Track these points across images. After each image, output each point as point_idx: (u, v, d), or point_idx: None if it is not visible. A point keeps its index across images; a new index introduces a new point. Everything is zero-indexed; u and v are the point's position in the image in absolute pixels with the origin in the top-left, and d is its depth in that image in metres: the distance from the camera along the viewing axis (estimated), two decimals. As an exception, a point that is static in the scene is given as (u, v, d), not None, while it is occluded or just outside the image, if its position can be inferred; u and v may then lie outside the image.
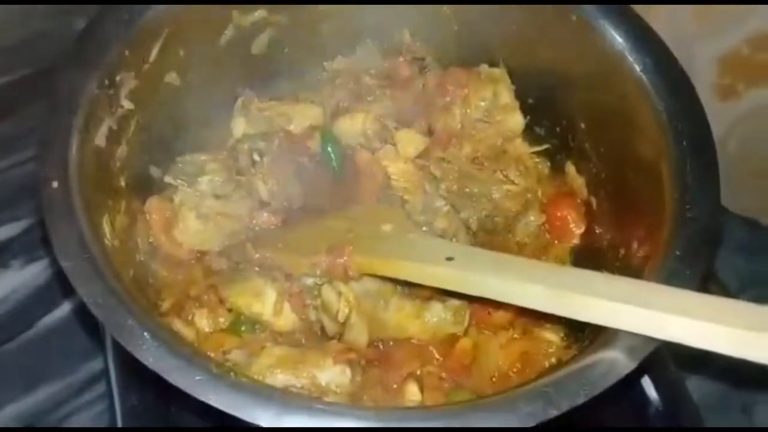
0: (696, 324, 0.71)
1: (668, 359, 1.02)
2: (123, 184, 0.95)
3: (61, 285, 1.20)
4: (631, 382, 0.75)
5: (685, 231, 0.82)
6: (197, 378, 0.71)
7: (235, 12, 1.05)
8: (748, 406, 1.16)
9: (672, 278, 0.79)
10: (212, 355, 0.89)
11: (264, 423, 0.69)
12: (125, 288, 0.78)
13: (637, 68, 0.94)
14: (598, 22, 0.97)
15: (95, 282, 0.76)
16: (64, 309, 1.19)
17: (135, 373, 0.97)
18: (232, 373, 0.73)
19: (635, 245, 0.91)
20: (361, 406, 0.85)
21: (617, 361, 0.74)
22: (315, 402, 0.73)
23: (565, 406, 0.71)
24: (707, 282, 0.85)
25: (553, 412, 0.71)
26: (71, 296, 1.20)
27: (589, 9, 0.98)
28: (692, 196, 0.84)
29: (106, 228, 0.86)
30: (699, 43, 1.27)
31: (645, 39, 0.96)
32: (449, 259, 0.88)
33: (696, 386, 1.11)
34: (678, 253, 0.80)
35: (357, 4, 1.12)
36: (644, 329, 0.74)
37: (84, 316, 1.18)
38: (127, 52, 0.93)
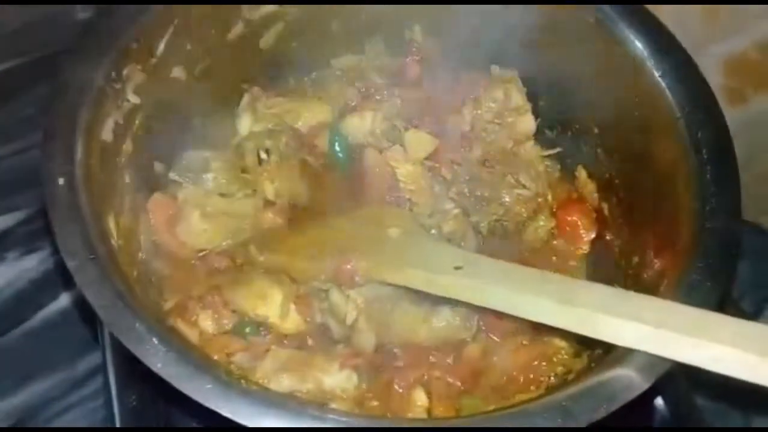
0: (711, 347, 0.69)
1: (678, 372, 1.02)
2: (127, 180, 0.93)
3: (58, 278, 1.18)
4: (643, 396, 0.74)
5: (705, 242, 0.81)
6: (207, 386, 0.69)
7: (245, 6, 1.03)
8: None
9: (693, 290, 0.78)
10: (217, 358, 0.87)
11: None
12: (132, 290, 0.76)
13: (656, 73, 0.93)
14: (618, 25, 0.96)
15: (102, 284, 0.74)
16: (61, 302, 1.18)
17: (134, 372, 0.95)
18: (242, 381, 0.71)
19: (650, 254, 0.90)
20: (373, 417, 0.83)
21: (634, 377, 0.73)
22: (328, 412, 0.71)
23: (583, 420, 0.70)
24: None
25: (572, 426, 0.69)
26: (67, 289, 1.18)
27: (609, 12, 0.97)
28: (712, 206, 0.83)
29: (112, 227, 0.84)
30: (707, 45, 1.26)
31: (665, 44, 0.95)
32: (458, 268, 0.86)
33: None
34: (700, 264, 0.79)
35: (368, 4, 1.10)
36: (657, 350, 0.72)
37: (81, 311, 1.16)
38: (134, 45, 0.91)
